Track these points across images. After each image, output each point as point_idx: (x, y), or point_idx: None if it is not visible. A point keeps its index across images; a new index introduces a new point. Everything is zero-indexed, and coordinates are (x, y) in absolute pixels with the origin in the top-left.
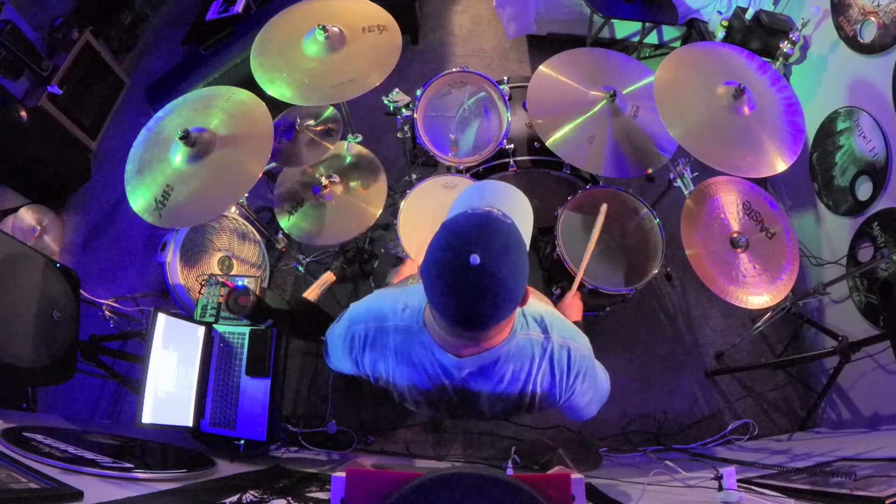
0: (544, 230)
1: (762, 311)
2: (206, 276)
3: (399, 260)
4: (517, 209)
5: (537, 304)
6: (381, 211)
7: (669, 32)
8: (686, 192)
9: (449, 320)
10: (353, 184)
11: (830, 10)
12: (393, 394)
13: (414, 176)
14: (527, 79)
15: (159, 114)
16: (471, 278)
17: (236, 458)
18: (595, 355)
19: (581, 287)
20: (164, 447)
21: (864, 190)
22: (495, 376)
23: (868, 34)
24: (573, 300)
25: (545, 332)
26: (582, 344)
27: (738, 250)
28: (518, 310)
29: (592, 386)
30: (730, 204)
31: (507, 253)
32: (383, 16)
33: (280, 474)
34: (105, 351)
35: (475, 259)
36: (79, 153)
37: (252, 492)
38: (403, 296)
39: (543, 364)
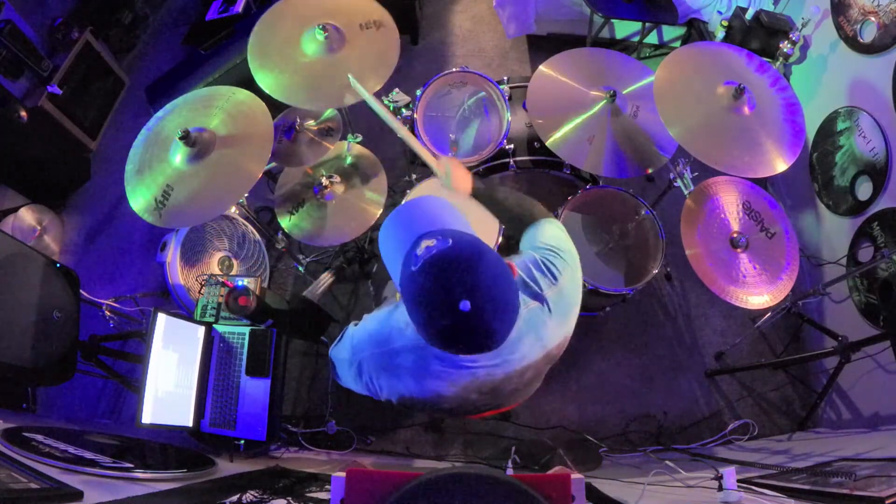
0: None
1: (762, 311)
2: (206, 276)
3: None
4: (443, 214)
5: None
6: (381, 211)
7: (669, 32)
8: (686, 192)
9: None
10: (353, 184)
11: (830, 10)
12: (414, 407)
13: (414, 176)
14: (527, 79)
15: (159, 114)
16: (472, 324)
17: (236, 458)
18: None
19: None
20: (164, 447)
21: (864, 190)
22: (515, 355)
23: (868, 34)
24: (456, 170)
25: (538, 298)
26: (567, 273)
27: (738, 250)
28: None
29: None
30: (730, 204)
31: (488, 272)
32: (378, 10)
33: (280, 474)
34: (105, 351)
35: (466, 305)
36: (79, 153)
37: (252, 492)
38: (401, 313)
39: (551, 320)
